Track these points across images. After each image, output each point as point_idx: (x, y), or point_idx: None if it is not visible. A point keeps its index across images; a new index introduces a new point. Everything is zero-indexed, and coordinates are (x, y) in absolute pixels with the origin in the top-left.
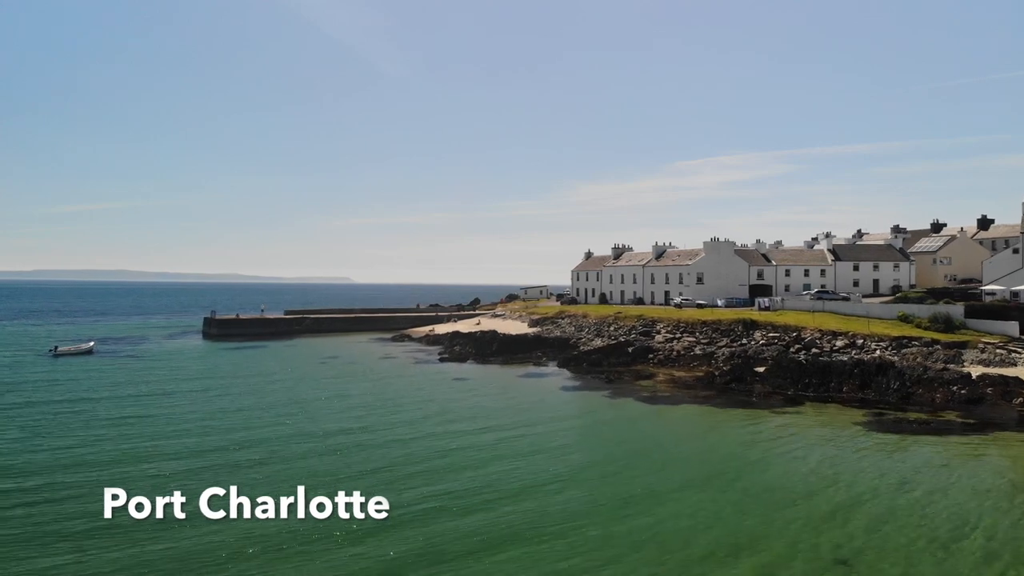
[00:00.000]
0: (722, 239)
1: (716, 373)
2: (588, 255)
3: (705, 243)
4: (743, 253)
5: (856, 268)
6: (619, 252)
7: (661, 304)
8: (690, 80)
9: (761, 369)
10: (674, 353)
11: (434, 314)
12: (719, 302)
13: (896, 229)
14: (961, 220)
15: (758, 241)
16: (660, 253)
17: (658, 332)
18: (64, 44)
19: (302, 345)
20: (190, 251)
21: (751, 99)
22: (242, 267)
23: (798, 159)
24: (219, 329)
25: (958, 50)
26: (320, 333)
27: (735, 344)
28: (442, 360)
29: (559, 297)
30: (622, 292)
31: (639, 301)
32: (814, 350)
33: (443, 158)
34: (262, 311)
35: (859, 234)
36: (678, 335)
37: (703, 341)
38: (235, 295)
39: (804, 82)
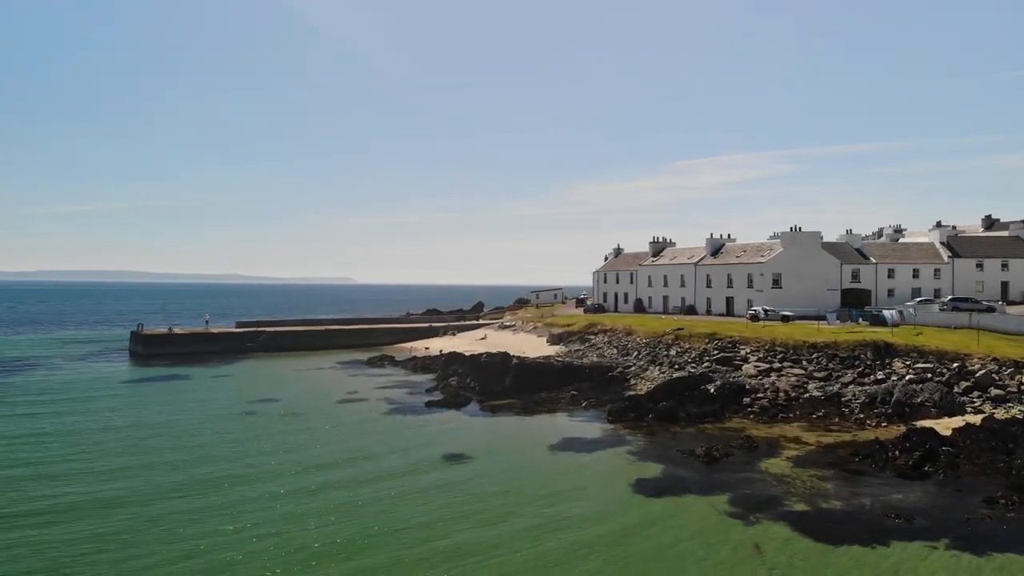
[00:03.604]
0: (804, 228)
1: (894, 448)
2: (618, 251)
3: (782, 235)
4: (831, 248)
5: (980, 267)
6: (659, 248)
7: (720, 314)
8: (691, 80)
9: (943, 430)
10: (780, 396)
11: (428, 325)
12: (830, 315)
13: (988, 220)
14: (963, 219)
15: (848, 232)
16: (717, 248)
17: (744, 360)
18: (66, 45)
19: (242, 373)
20: (192, 251)
21: (752, 99)
22: (243, 267)
23: (799, 159)
24: (145, 347)
25: (958, 50)
26: (278, 352)
27: (866, 379)
28: (431, 405)
29: (579, 302)
30: (665, 298)
31: (690, 310)
32: (995, 391)
33: (444, 158)
34: (206, 323)
35: (938, 226)
36: (776, 364)
37: (817, 375)
38: (231, 297)
39: (805, 82)
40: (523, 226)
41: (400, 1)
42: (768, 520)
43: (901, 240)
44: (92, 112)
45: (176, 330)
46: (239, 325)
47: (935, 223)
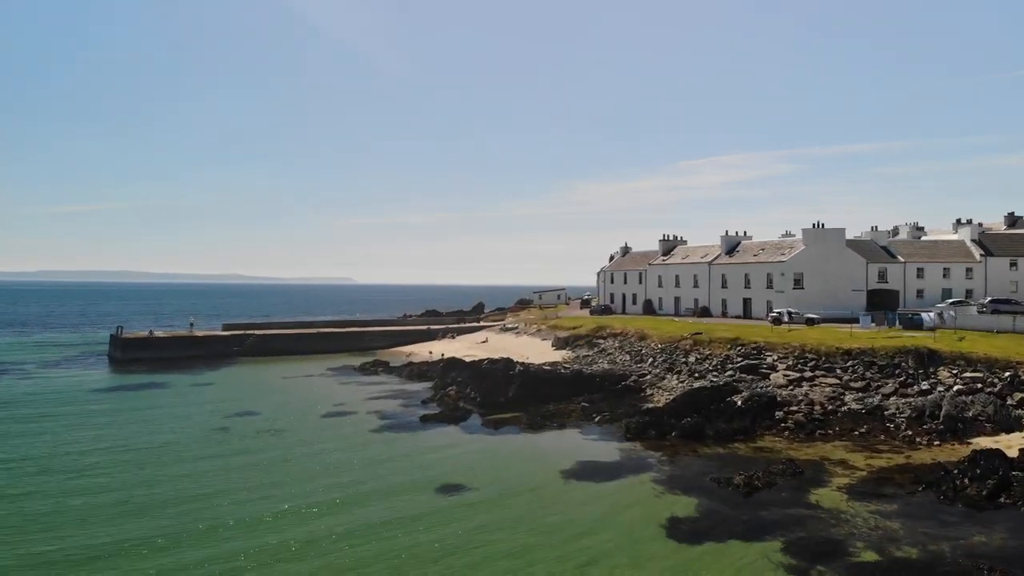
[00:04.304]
0: (826, 226)
1: (960, 475)
2: (625, 250)
3: (805, 231)
4: (856, 245)
5: (1014, 266)
6: (670, 246)
7: (737, 317)
8: (692, 80)
9: (1006, 450)
10: (816, 408)
11: (425, 327)
12: (864, 318)
13: (1011, 217)
14: (960, 220)
15: (874, 229)
16: (733, 246)
17: (772, 368)
18: (66, 45)
19: (225, 380)
20: (192, 251)
21: (752, 99)
22: (243, 267)
23: (799, 159)
24: (124, 352)
25: (958, 50)
26: (266, 356)
27: (910, 390)
28: (427, 420)
29: (584, 303)
30: (677, 299)
31: (704, 311)
32: None
33: (444, 158)
34: (191, 326)
35: (966, 223)
36: (807, 373)
37: (854, 385)
38: (229, 297)
39: (805, 82)
40: (523, 226)
41: (400, 1)
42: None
43: (923, 239)
44: (92, 112)
45: (157, 333)
46: (226, 328)
47: (955, 220)
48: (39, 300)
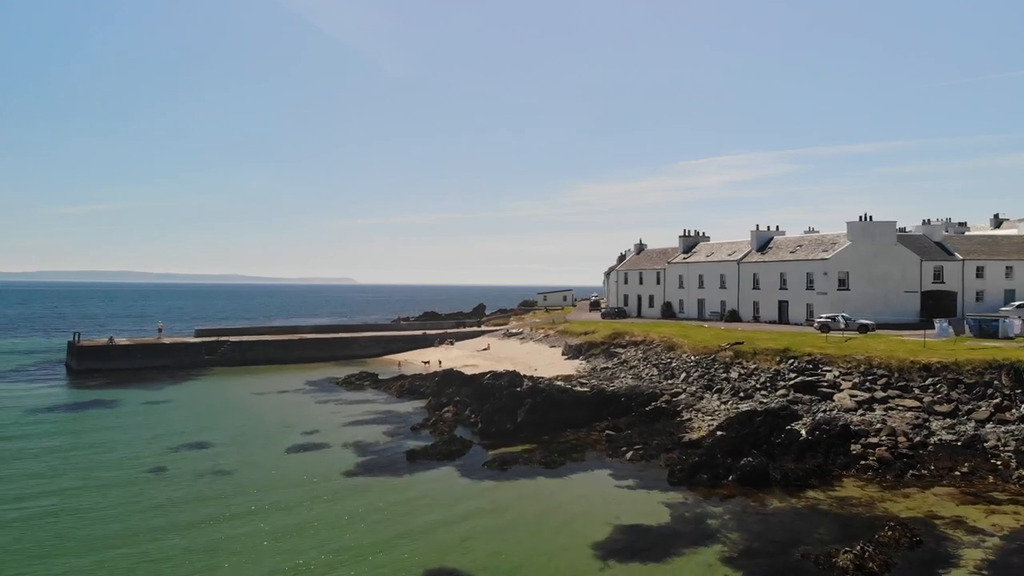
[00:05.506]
0: (876, 219)
1: None
2: (640, 248)
3: (850, 225)
4: (907, 241)
5: None
6: (691, 242)
7: (771, 321)
8: (694, 80)
9: None
10: (901, 441)
11: (421, 333)
12: (941, 324)
13: None
14: (961, 219)
15: (926, 222)
16: (765, 243)
17: (834, 386)
18: (66, 46)
19: (187, 396)
20: (192, 251)
21: (754, 99)
22: (245, 268)
23: (800, 159)
24: (80, 361)
25: (958, 50)
26: (242, 365)
27: (1007, 414)
28: (416, 458)
29: (593, 305)
30: (700, 301)
31: (732, 315)
32: None
33: (446, 158)
34: (159, 332)
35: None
36: (879, 393)
37: (940, 409)
38: (227, 298)
39: (806, 82)
40: (526, 227)
41: (403, 1)
42: None
43: (979, 233)
44: (92, 112)
45: (119, 340)
46: (199, 334)
47: (993, 215)
48: (25, 301)
